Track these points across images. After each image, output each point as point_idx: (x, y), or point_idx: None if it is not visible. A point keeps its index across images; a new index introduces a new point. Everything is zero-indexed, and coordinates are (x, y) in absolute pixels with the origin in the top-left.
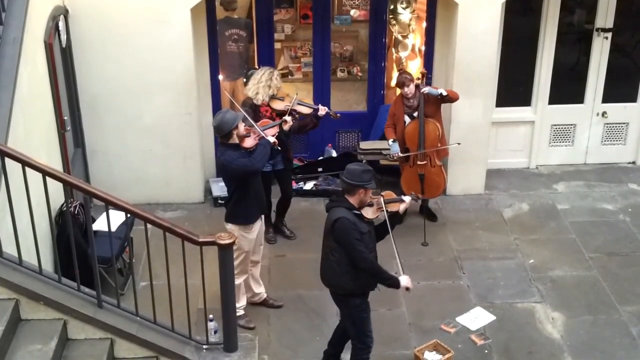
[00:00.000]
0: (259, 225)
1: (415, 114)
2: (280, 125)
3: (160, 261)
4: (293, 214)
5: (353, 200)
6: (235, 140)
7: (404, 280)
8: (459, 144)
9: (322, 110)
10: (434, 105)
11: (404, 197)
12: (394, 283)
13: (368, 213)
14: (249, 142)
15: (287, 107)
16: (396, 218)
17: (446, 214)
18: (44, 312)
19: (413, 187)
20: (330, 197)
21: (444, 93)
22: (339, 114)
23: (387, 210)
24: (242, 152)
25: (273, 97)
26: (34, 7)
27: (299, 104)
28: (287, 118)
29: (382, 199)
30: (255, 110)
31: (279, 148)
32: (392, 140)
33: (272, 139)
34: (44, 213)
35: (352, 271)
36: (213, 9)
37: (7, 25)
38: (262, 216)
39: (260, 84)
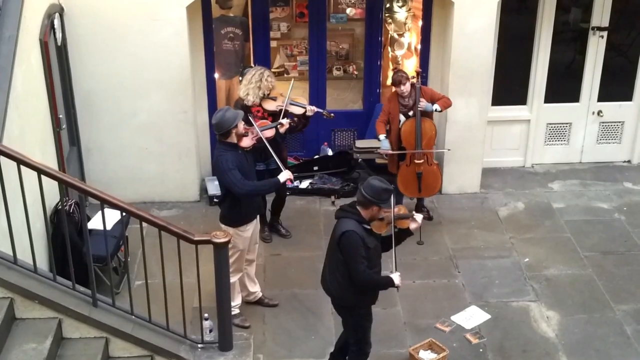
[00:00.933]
0: (254, 224)
1: (411, 113)
2: (276, 127)
3: (155, 260)
4: (288, 212)
5: (365, 213)
6: (234, 139)
7: (397, 279)
8: (449, 149)
9: (310, 111)
10: None
11: (415, 215)
12: (389, 283)
13: (376, 227)
14: (246, 142)
15: (279, 107)
16: (406, 233)
17: (442, 213)
18: (38, 310)
19: (410, 186)
20: (342, 206)
21: (438, 109)
22: (332, 114)
23: (395, 227)
24: (240, 152)
25: (265, 97)
26: (30, 5)
27: (291, 103)
28: (284, 121)
29: (392, 215)
30: (247, 111)
31: (292, 180)
32: (383, 135)
33: (285, 176)
34: (39, 211)
35: (352, 287)
36: (209, 7)
37: (2, 24)
38: (257, 215)
39: (250, 85)
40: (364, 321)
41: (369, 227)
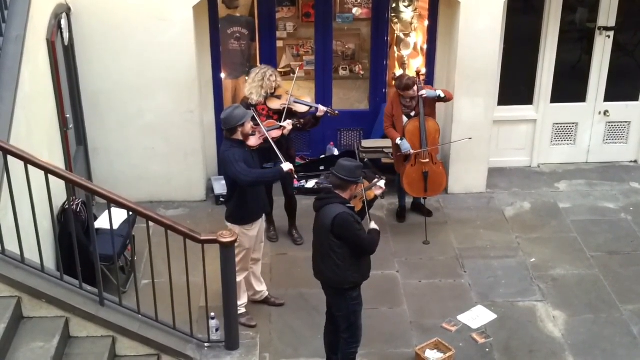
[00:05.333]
0: (259, 223)
1: (413, 114)
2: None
3: (162, 259)
4: None
5: (345, 195)
6: (239, 136)
7: (376, 225)
8: (470, 138)
9: (321, 111)
10: (431, 104)
11: (378, 183)
12: (378, 234)
13: (355, 204)
14: (252, 141)
15: (283, 105)
16: (374, 199)
17: (448, 213)
18: (46, 309)
19: (416, 186)
20: (318, 195)
21: (442, 95)
22: (337, 111)
23: (366, 199)
24: (246, 150)
25: (271, 96)
26: (37, 5)
27: (295, 102)
28: (285, 124)
29: (362, 189)
30: (252, 109)
31: (295, 176)
32: (400, 138)
33: (288, 166)
34: (46, 211)
35: (357, 263)
36: (215, 7)
37: (10, 23)
38: (263, 214)
39: (253, 84)
40: (355, 305)
41: (352, 205)
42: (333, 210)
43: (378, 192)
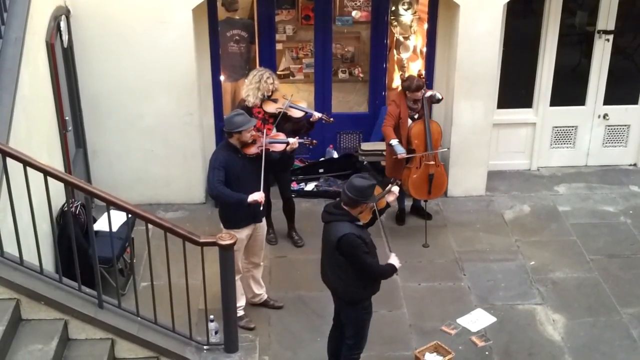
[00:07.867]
0: (248, 229)
1: (416, 116)
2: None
3: (161, 261)
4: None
5: (354, 212)
6: (235, 142)
7: (395, 261)
8: (447, 148)
9: (315, 117)
10: (429, 107)
11: (392, 189)
12: (393, 269)
13: (363, 217)
14: (252, 150)
15: (279, 109)
16: (386, 208)
17: (447, 216)
18: (44, 312)
19: (421, 189)
20: (327, 208)
21: (439, 96)
22: (332, 119)
23: (377, 209)
24: (238, 157)
25: (267, 99)
26: (36, 7)
27: (290, 106)
28: (292, 140)
29: (374, 203)
30: (248, 112)
31: (262, 207)
32: (396, 140)
33: (255, 197)
34: (45, 213)
35: (362, 281)
36: (214, 9)
37: (9, 25)
38: (260, 223)
39: (250, 86)
40: (365, 314)
41: (360, 223)
42: (339, 230)
43: (391, 198)
